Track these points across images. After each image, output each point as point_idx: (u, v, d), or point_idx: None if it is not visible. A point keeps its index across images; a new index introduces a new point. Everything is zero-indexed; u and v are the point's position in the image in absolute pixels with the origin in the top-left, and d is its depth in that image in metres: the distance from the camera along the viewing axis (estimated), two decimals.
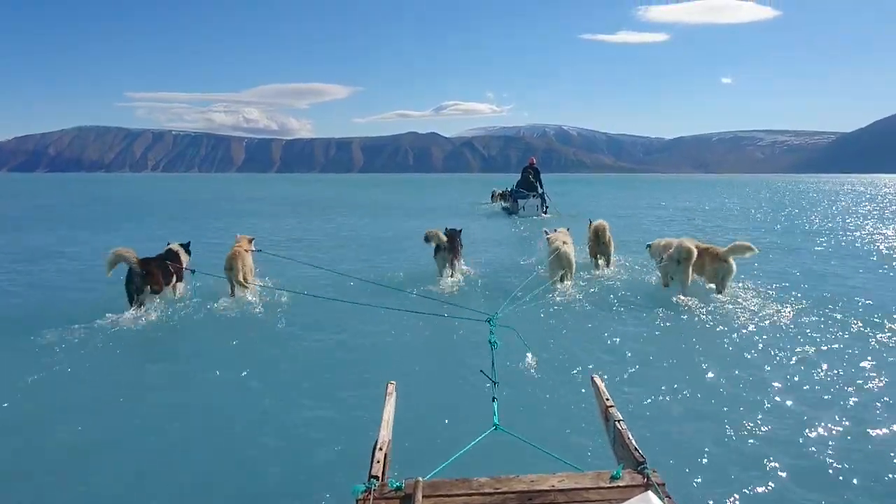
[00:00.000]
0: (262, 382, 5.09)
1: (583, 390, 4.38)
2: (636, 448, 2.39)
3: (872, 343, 5.97)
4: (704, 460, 3.58)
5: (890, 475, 3.48)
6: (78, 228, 18.63)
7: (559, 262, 8.55)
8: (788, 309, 7.27)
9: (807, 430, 4.02)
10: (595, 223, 10.27)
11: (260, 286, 8.19)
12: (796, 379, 5.00)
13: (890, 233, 17.03)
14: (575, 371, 5.16)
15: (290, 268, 9.52)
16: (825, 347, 5.80)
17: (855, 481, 3.43)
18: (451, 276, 9.19)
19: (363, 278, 8.29)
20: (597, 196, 44.71)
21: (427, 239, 9.23)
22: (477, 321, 4.85)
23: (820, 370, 5.19)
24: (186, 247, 8.45)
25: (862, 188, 64.83)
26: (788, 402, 4.50)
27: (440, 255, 9.21)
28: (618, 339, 6.10)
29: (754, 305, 7.44)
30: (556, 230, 9.71)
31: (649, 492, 2.10)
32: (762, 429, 4.05)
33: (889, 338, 6.14)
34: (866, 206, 31.68)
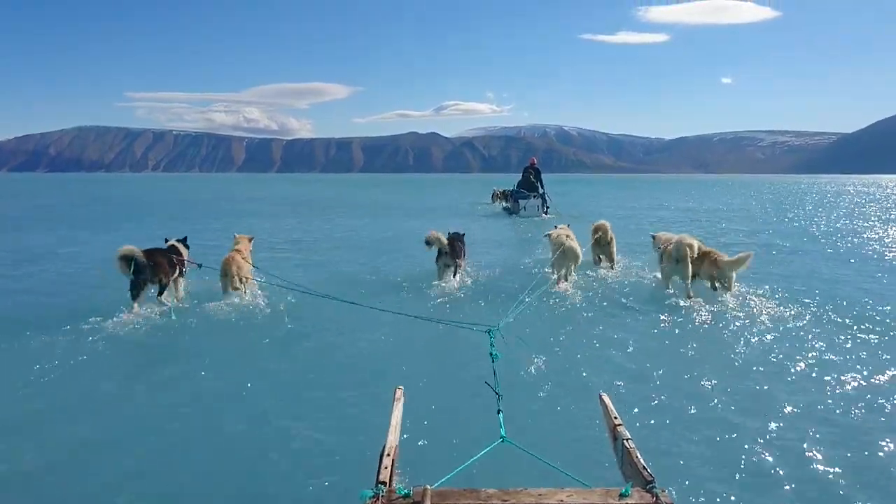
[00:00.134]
0: (262, 384, 5.07)
1: (589, 402, 4.26)
2: (645, 467, 2.38)
3: (890, 353, 5.74)
4: (714, 479, 3.45)
5: None
6: (78, 228, 18.62)
7: (564, 256, 8.49)
8: (801, 314, 7.09)
9: (821, 448, 3.84)
10: (596, 223, 10.23)
11: (261, 281, 8.13)
12: (812, 390, 4.83)
13: None
14: (580, 381, 5.05)
15: (288, 270, 9.48)
16: (838, 357, 5.60)
17: None
18: (453, 277, 9.00)
19: (362, 280, 8.23)
20: (597, 196, 44.65)
21: (428, 243, 8.94)
22: (478, 331, 4.71)
23: (836, 381, 4.99)
24: (184, 241, 8.40)
25: (864, 189, 64.70)
26: (803, 417, 4.32)
27: (441, 261, 8.96)
28: (624, 348, 5.93)
29: (766, 311, 7.23)
30: (556, 227, 9.68)
31: None
32: (775, 445, 3.88)
33: None
34: (872, 206, 31.56)
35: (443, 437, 3.94)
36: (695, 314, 7.19)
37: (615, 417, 2.88)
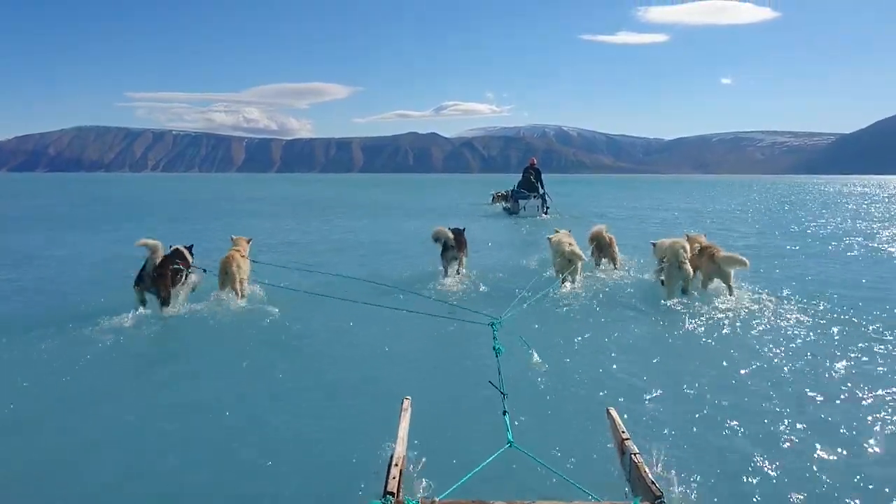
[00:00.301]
0: (262, 385, 5.04)
1: (595, 410, 4.16)
2: (653, 482, 2.37)
3: None
4: (723, 494, 3.37)
5: None
6: (77, 228, 18.62)
7: (566, 262, 8.48)
8: (812, 318, 6.94)
9: (833, 461, 3.73)
10: (592, 231, 10.23)
11: (265, 283, 8.10)
12: (825, 399, 4.67)
13: None
14: (586, 386, 4.94)
15: (287, 272, 9.44)
16: (852, 362, 5.46)
17: None
18: (458, 273, 9.23)
19: (362, 281, 8.18)
20: (597, 196, 44.66)
21: (436, 238, 9.22)
22: (480, 325, 4.76)
23: (849, 389, 4.84)
24: (190, 249, 8.36)
25: (866, 189, 64.60)
26: (814, 427, 4.18)
27: (448, 255, 9.21)
28: (631, 354, 5.81)
29: (778, 315, 7.09)
30: (556, 231, 9.66)
31: None
32: (787, 459, 3.75)
33: None
34: (878, 207, 31.42)
35: (449, 441, 3.88)
36: (703, 317, 7.09)
37: (623, 432, 2.86)
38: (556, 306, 7.61)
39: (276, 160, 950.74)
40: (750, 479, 3.50)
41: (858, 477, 3.51)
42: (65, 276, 10.15)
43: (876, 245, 14.55)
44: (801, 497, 3.32)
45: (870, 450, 3.86)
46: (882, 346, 5.95)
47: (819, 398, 4.67)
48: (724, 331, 6.56)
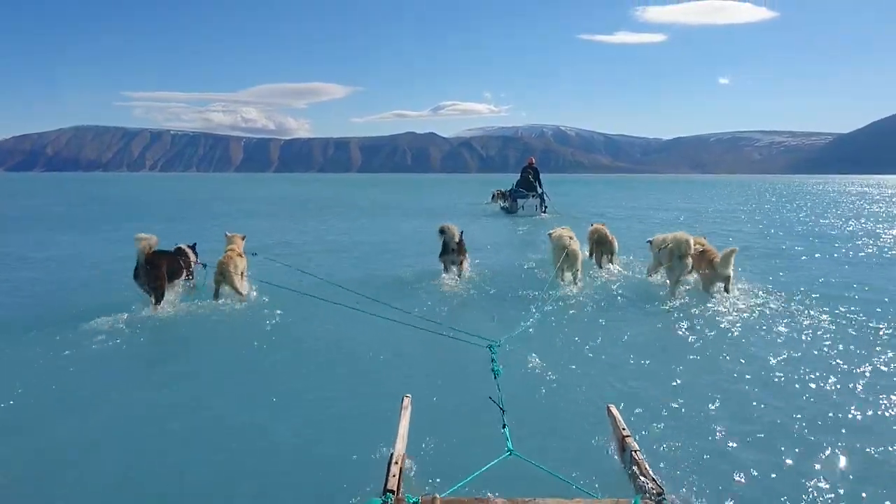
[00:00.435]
0: (261, 386, 5.03)
1: (595, 410, 4.20)
2: (654, 478, 2.35)
3: None
4: (724, 491, 3.36)
5: None
6: (77, 228, 18.55)
7: (567, 258, 8.44)
8: (822, 322, 6.86)
9: (836, 457, 3.75)
10: (591, 228, 10.21)
11: (263, 283, 8.08)
12: (827, 397, 4.69)
13: None
14: (586, 388, 4.92)
15: (286, 272, 9.39)
16: (852, 361, 5.47)
17: None
18: (457, 275, 9.12)
19: (361, 283, 8.14)
20: (596, 196, 44.62)
21: (442, 231, 9.08)
22: (484, 347, 4.62)
23: (847, 386, 4.87)
24: (193, 248, 8.44)
25: (867, 189, 64.59)
26: (816, 426, 4.19)
27: (447, 258, 9.13)
28: (630, 354, 5.80)
29: (787, 318, 7.02)
30: (555, 228, 9.63)
31: None
32: (789, 456, 3.77)
33: None
34: (880, 206, 31.31)
35: (449, 441, 3.86)
36: (701, 317, 7.09)
37: (623, 429, 2.83)
38: (555, 307, 7.57)
39: (274, 160, 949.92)
40: (751, 478, 3.48)
41: (858, 475, 3.51)
42: (63, 276, 10.10)
43: (882, 245, 14.43)
44: (802, 495, 3.33)
45: (869, 449, 3.85)
46: (883, 347, 5.93)
47: (820, 398, 4.66)
48: (726, 331, 6.54)
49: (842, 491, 3.36)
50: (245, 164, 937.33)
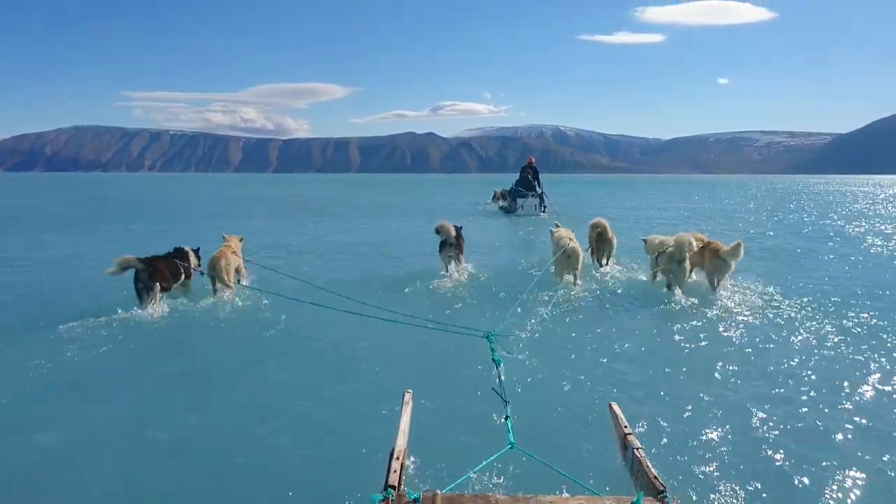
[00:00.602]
0: (260, 385, 5.04)
1: (596, 408, 4.23)
2: (656, 476, 2.35)
3: None
4: (725, 489, 3.35)
5: None
6: (77, 228, 18.49)
7: (568, 261, 8.40)
8: (816, 318, 6.86)
9: (833, 455, 3.75)
10: (594, 220, 10.15)
11: (251, 287, 8.13)
12: (824, 393, 4.70)
13: None
14: (587, 387, 4.93)
15: (284, 272, 9.34)
16: (850, 359, 5.47)
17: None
18: (457, 271, 9.32)
19: (359, 283, 8.11)
20: (596, 197, 44.57)
21: (438, 230, 9.34)
22: (477, 333, 4.71)
23: (847, 385, 4.86)
24: (196, 251, 8.48)
25: (868, 189, 64.54)
26: (825, 432, 4.13)
27: (446, 251, 9.34)
28: (631, 352, 5.83)
29: (779, 314, 7.03)
30: (558, 226, 9.60)
31: None
32: (788, 452, 3.77)
33: None
34: (884, 206, 31.20)
35: (450, 440, 3.85)
36: (703, 316, 7.07)
37: (625, 426, 2.83)
38: (555, 306, 7.55)
39: (273, 160, 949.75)
40: (752, 476, 3.48)
41: (861, 476, 3.50)
42: (63, 276, 10.06)
43: (893, 246, 14.28)
44: (803, 493, 3.33)
45: (868, 446, 3.84)
46: (889, 350, 5.94)
47: (824, 399, 4.65)
48: (728, 330, 6.51)
49: (843, 490, 3.35)
50: (244, 164, 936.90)
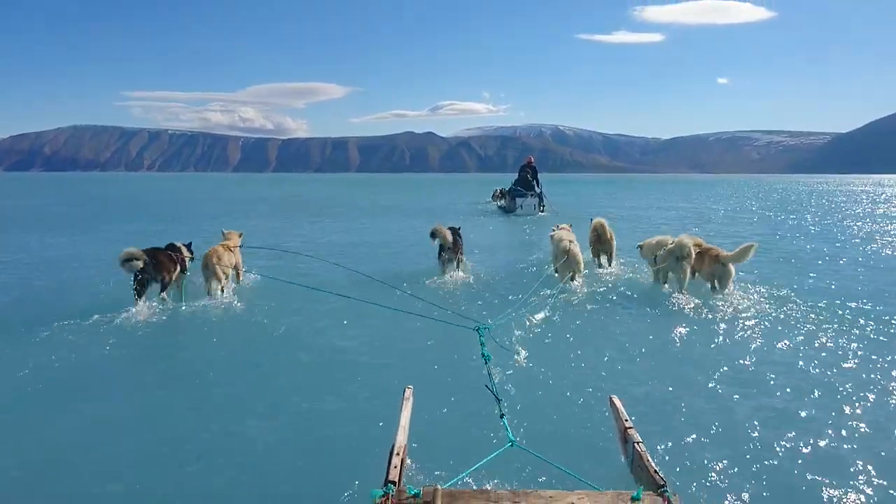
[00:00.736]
0: (258, 381, 5.04)
1: (596, 403, 4.24)
2: (656, 470, 2.35)
3: None
4: (725, 483, 3.37)
5: None
6: (77, 228, 18.47)
7: (568, 264, 8.39)
8: (819, 318, 6.81)
9: (827, 452, 3.77)
10: (595, 221, 10.13)
11: (253, 277, 8.28)
12: (821, 394, 4.70)
13: None
14: (586, 382, 4.94)
15: (281, 272, 9.35)
16: (849, 359, 5.45)
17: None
18: (455, 272, 9.22)
19: (358, 280, 8.08)
20: (596, 196, 44.47)
21: (433, 235, 9.20)
22: (472, 329, 4.67)
23: (843, 386, 4.84)
24: (188, 247, 8.48)
25: (868, 189, 64.52)
26: (812, 420, 4.21)
27: (444, 256, 9.22)
28: (630, 349, 5.83)
29: (777, 313, 7.02)
30: (558, 227, 9.58)
31: None
32: (786, 448, 3.79)
33: None
34: (889, 206, 31.05)
35: (450, 436, 3.85)
36: (701, 315, 7.07)
37: (626, 420, 2.82)
38: (555, 304, 7.54)
39: (272, 160, 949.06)
40: (751, 470, 3.50)
41: (863, 470, 3.51)
42: (63, 276, 10.05)
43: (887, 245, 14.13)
44: (803, 486, 3.35)
45: (864, 444, 3.85)
46: (860, 338, 6.01)
47: (824, 395, 4.67)
48: (730, 329, 6.50)
49: (843, 486, 3.36)
50: (243, 163, 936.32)
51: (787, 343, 5.91)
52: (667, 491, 2.22)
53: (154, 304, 7.19)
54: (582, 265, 8.60)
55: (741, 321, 6.75)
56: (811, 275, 9.92)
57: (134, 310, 6.91)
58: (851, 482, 3.42)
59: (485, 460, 2.60)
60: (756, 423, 4.17)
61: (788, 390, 4.75)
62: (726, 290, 7.83)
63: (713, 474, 3.44)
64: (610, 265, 9.87)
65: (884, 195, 46.87)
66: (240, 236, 8.75)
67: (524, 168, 23.94)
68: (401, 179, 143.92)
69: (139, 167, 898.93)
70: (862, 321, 6.78)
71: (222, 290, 7.77)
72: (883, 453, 3.73)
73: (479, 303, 7.78)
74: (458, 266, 9.36)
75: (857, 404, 4.47)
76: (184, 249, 8.23)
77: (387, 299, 7.04)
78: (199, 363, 5.54)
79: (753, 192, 52.64)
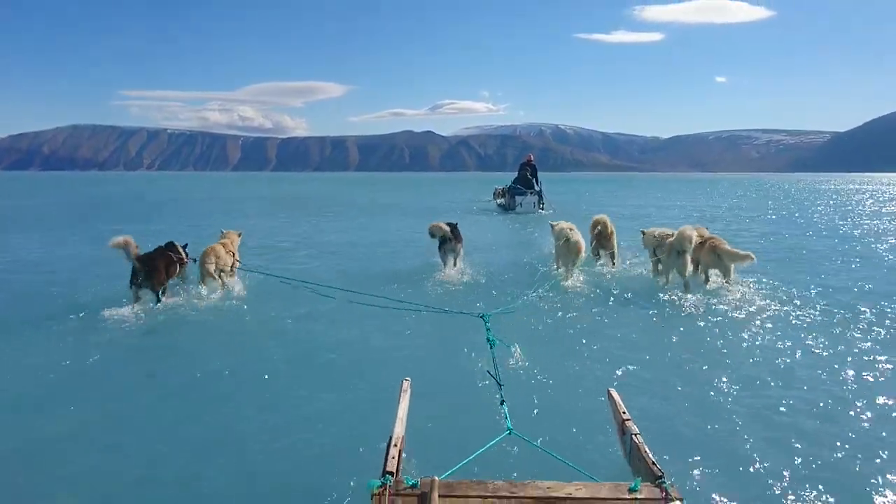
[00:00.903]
0: (256, 378, 5.03)
1: (593, 396, 4.25)
2: (654, 462, 2.36)
3: None
4: (722, 474, 3.38)
5: None
6: (78, 227, 18.55)
7: (568, 248, 8.40)
8: (818, 316, 6.78)
9: (823, 444, 3.79)
10: (596, 217, 10.08)
11: (252, 272, 8.24)
12: (817, 388, 4.73)
13: None
14: (585, 375, 4.97)
15: (281, 271, 9.29)
16: (845, 354, 5.45)
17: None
18: (455, 266, 9.36)
19: (356, 278, 8.08)
20: (596, 195, 44.37)
21: (432, 234, 9.34)
22: (474, 316, 4.72)
23: (839, 380, 4.87)
24: (184, 248, 8.40)
25: (869, 187, 64.35)
26: (808, 415, 4.23)
27: (446, 248, 9.35)
28: (629, 343, 5.86)
29: (777, 310, 6.97)
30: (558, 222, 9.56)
31: None
32: (783, 441, 3.82)
33: None
34: (893, 206, 30.91)
35: (448, 428, 3.87)
36: (702, 310, 7.05)
37: (623, 412, 2.83)
38: (554, 298, 7.55)
39: (272, 159, 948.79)
40: (748, 462, 3.52)
41: (858, 466, 3.52)
42: (63, 275, 10.03)
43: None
44: (800, 479, 3.36)
45: (865, 442, 3.86)
46: (857, 337, 6.02)
47: (821, 390, 4.69)
48: (727, 324, 6.49)
49: (842, 482, 3.38)
50: (242, 162, 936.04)
51: (788, 341, 5.89)
52: (664, 482, 2.23)
53: (150, 305, 7.15)
54: (583, 252, 8.57)
55: (742, 317, 6.75)
56: (821, 275, 9.82)
57: (134, 309, 6.90)
58: (850, 477, 3.43)
59: (483, 448, 2.61)
60: (753, 416, 4.18)
61: (787, 387, 4.74)
62: (728, 280, 7.84)
63: (710, 465, 3.46)
64: (613, 265, 9.75)
65: (887, 194, 46.76)
66: (238, 236, 8.73)
67: (524, 166, 23.90)
68: (400, 178, 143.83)
69: (138, 166, 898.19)
70: (864, 318, 6.76)
71: (222, 286, 7.77)
72: (883, 454, 3.71)
73: (479, 296, 7.79)
74: (457, 257, 9.49)
75: (856, 404, 4.46)
76: (180, 249, 8.16)
77: (389, 294, 7.01)
78: (196, 360, 5.53)
79: (756, 191, 52.50)
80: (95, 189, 56.30)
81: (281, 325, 6.53)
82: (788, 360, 5.34)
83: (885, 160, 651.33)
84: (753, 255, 7.71)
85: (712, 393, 4.59)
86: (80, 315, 6.71)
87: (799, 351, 5.58)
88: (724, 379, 4.87)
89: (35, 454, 3.78)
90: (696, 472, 3.39)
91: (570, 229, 8.65)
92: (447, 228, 9.33)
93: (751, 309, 7.05)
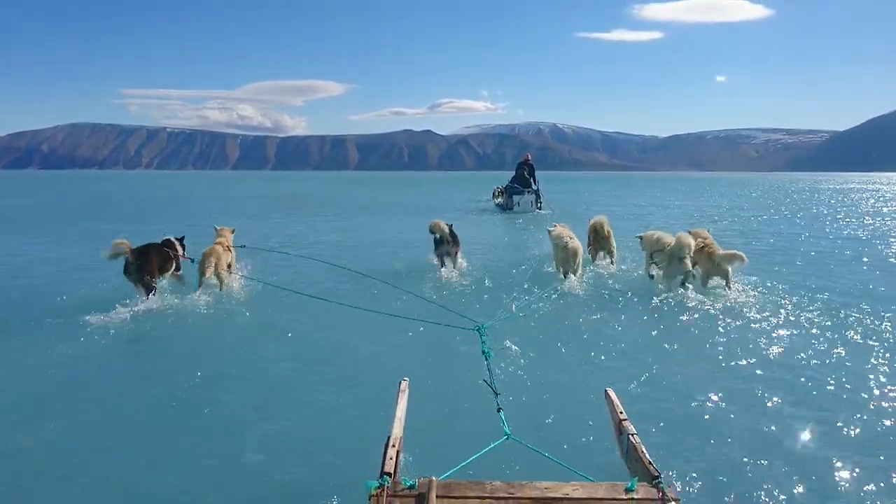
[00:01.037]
0: (254, 378, 5.04)
1: (591, 397, 4.24)
2: (651, 462, 2.36)
3: None
4: (719, 474, 3.39)
5: None
6: (78, 227, 18.53)
7: (567, 254, 8.37)
8: (816, 316, 6.79)
9: (821, 446, 3.79)
10: (593, 220, 10.09)
11: (244, 277, 8.27)
12: (811, 391, 4.72)
13: None
14: (582, 376, 4.98)
15: (281, 270, 9.30)
16: (844, 356, 5.46)
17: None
18: (453, 267, 9.36)
19: (356, 279, 8.07)
20: (595, 194, 44.31)
21: (432, 231, 9.38)
22: (472, 330, 4.69)
23: (834, 382, 4.86)
24: (181, 240, 8.45)
25: (870, 186, 64.29)
26: (802, 415, 4.24)
27: (441, 249, 9.36)
28: (627, 344, 5.87)
29: (777, 312, 6.97)
30: (555, 225, 9.55)
31: None
32: (778, 441, 3.82)
33: None
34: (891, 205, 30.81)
35: (446, 430, 3.87)
36: (699, 312, 7.07)
37: (621, 412, 2.84)
38: (552, 300, 7.56)
39: (271, 157, 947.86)
40: (747, 463, 3.52)
41: (853, 467, 3.52)
42: (61, 275, 10.04)
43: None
44: (796, 478, 3.36)
45: (864, 441, 3.87)
46: (854, 337, 6.05)
47: (819, 391, 4.69)
48: (725, 326, 6.50)
49: (842, 481, 3.38)
50: (241, 161, 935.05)
51: (788, 342, 5.91)
52: (661, 482, 2.24)
53: (150, 304, 7.15)
54: (581, 258, 8.59)
55: (740, 318, 6.75)
56: (822, 276, 9.80)
57: (133, 309, 6.90)
58: (850, 477, 3.42)
59: (481, 452, 2.61)
60: (751, 416, 4.19)
61: (787, 388, 4.75)
62: (728, 284, 7.86)
63: (707, 466, 3.46)
64: (612, 264, 9.79)
65: (888, 193, 46.70)
66: (232, 232, 8.76)
67: (521, 165, 23.90)
68: (400, 177, 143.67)
69: (137, 165, 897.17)
70: (862, 318, 6.76)
71: (221, 287, 7.79)
72: (882, 454, 3.73)
73: (476, 299, 7.79)
74: (454, 261, 9.49)
75: (857, 405, 4.46)
76: (177, 245, 8.21)
77: (385, 297, 7.02)
78: (195, 361, 5.53)
79: (757, 190, 52.33)
80: (95, 188, 56.24)
81: (279, 326, 6.53)
82: (788, 361, 5.35)
83: (885, 159, 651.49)
84: (744, 256, 7.74)
85: (710, 393, 4.60)
86: (80, 315, 6.71)
87: (799, 351, 5.59)
88: (723, 379, 4.88)
89: (35, 454, 3.75)
90: (692, 472, 3.38)
91: (570, 238, 8.64)
92: (446, 229, 9.35)
93: (751, 310, 7.06)
